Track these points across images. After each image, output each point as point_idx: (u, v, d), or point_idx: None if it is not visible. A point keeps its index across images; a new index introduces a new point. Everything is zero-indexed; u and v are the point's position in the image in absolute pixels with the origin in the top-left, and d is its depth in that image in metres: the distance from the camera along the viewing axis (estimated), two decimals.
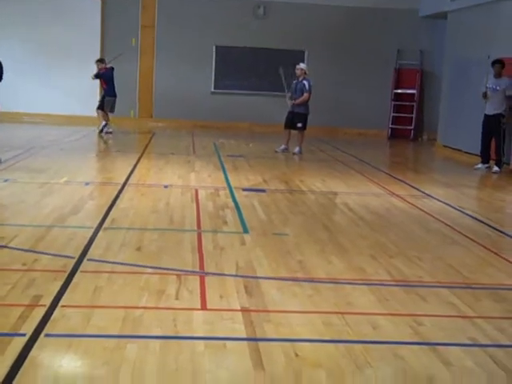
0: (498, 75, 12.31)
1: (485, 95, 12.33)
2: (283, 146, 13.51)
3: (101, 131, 15.06)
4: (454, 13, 16.01)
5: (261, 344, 3.83)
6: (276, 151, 13.45)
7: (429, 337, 4.07)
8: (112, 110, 15.14)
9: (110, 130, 15.09)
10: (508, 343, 4.04)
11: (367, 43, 18.51)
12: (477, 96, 13.43)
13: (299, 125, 13.22)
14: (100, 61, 15.44)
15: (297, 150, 13.34)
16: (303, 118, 13.27)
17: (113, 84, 15.22)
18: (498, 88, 12.23)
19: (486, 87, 12.29)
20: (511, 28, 13.18)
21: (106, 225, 6.52)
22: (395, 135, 18.65)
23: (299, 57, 18.24)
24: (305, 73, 13.31)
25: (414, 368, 3.63)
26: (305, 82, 13.20)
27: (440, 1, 16.62)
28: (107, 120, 15.18)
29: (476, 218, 7.91)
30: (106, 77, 15.26)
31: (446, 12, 16.38)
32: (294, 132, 13.45)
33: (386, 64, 18.57)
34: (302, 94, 13.14)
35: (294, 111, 13.32)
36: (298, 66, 13.43)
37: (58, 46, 17.54)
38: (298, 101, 13.14)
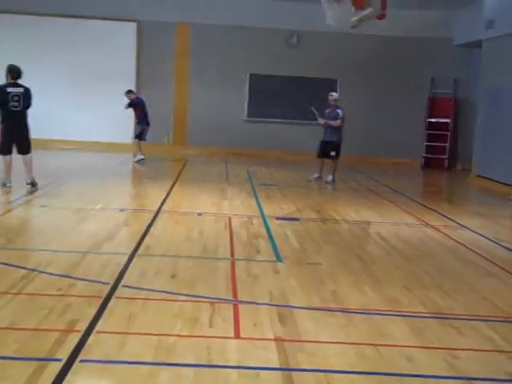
0: None
1: None
2: (316, 175, 13.52)
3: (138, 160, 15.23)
4: (489, 41, 15.94)
5: (294, 374, 3.83)
6: (309, 180, 13.47)
7: (464, 371, 4.02)
8: (143, 137, 15.35)
9: (142, 156, 15.22)
10: None
11: (400, 72, 18.54)
12: None
13: (333, 153, 13.23)
14: (129, 92, 15.61)
15: (330, 178, 13.33)
16: (337, 146, 13.29)
17: (145, 112, 15.43)
18: None
19: None
20: None
21: (140, 251, 6.58)
22: (429, 165, 18.54)
23: (332, 85, 18.37)
24: (337, 101, 13.36)
25: None
26: (338, 110, 13.25)
27: (475, 29, 16.57)
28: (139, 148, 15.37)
29: (510, 249, 7.80)
30: (138, 105, 15.44)
31: (481, 40, 16.33)
32: (327, 161, 13.45)
33: (420, 93, 18.55)
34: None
35: (327, 140, 13.34)
36: (332, 95, 13.51)
37: (94, 71, 17.87)
38: (332, 122, 13.13)
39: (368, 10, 10.00)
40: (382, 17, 9.55)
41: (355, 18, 10.61)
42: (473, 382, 3.88)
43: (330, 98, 13.48)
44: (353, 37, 17.96)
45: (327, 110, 13.47)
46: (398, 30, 17.89)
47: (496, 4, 15.39)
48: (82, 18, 17.73)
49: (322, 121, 13.35)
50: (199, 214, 8.96)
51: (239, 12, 18.05)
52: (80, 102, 17.92)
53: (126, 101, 15.47)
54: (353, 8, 10.44)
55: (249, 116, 18.65)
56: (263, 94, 18.52)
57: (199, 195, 10.79)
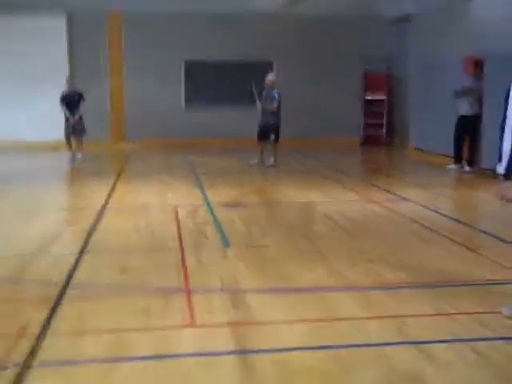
0: (475, 76, 12.54)
1: (459, 95, 12.53)
2: (257, 159, 13.61)
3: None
4: (417, 15, 16.31)
5: (250, 356, 3.91)
6: (250, 165, 13.53)
7: (413, 336, 4.19)
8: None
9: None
10: (488, 336, 4.16)
11: (334, 50, 18.70)
12: (445, 97, 13.69)
13: (272, 136, 13.34)
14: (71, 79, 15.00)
15: (271, 162, 13.45)
16: (276, 129, 13.39)
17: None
18: (475, 88, 12.44)
19: (463, 87, 12.46)
20: (473, 27, 13.46)
21: (88, 249, 6.55)
22: (368, 141, 18.85)
23: (267, 68, 18.43)
24: (274, 83, 13.43)
25: (399, 367, 3.74)
26: (274, 92, 13.32)
27: (404, 4, 16.88)
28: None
29: (452, 218, 8.07)
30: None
31: (410, 14, 16.67)
32: (267, 145, 13.55)
33: (355, 70, 18.78)
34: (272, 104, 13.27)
35: (265, 123, 13.42)
36: (268, 77, 13.57)
37: (25, 66, 17.39)
38: (270, 106, 13.22)
39: None
40: None
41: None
42: (421, 345, 4.04)
43: (266, 79, 13.56)
44: (285, 18, 18.06)
45: (264, 92, 13.55)
46: (329, 9, 17.99)
47: None
48: (6, 12, 17.19)
49: (258, 105, 13.43)
50: (145, 207, 8.94)
51: None
52: (11, 100, 17.47)
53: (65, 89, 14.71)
54: None
55: (187, 105, 18.58)
56: (200, 81, 18.45)
57: (144, 188, 10.74)
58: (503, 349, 3.99)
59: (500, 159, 4.32)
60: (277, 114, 13.35)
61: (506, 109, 4.35)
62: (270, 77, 13.60)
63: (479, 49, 12.76)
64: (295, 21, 17.86)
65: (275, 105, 13.21)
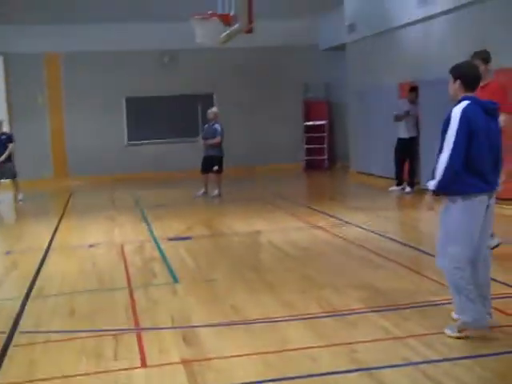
0: (412, 101, 12.91)
1: (399, 119, 12.86)
2: (202, 191, 13.63)
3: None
4: (352, 44, 16.71)
5: None
6: (195, 197, 13.54)
7: (365, 362, 4.24)
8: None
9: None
10: (437, 358, 4.26)
11: (274, 80, 18.99)
12: (382, 122, 14.04)
13: (215, 168, 13.42)
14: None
15: (216, 192, 13.50)
16: (219, 160, 13.47)
17: None
18: (412, 113, 12.81)
19: (405, 112, 12.80)
20: (406, 54, 13.88)
21: (34, 293, 6.43)
22: (310, 167, 19.10)
23: (208, 100, 18.59)
24: (217, 116, 13.56)
25: None
26: (216, 125, 13.45)
27: (338, 34, 17.30)
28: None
29: (395, 240, 8.23)
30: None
31: (345, 44, 17.08)
32: (212, 175, 13.61)
33: (295, 99, 19.08)
34: (214, 137, 13.37)
35: (209, 155, 13.51)
36: (209, 110, 13.72)
37: None
38: (211, 142, 13.34)
39: (236, 26, 10.24)
40: (249, 31, 9.81)
41: (224, 35, 10.83)
42: (373, 371, 4.10)
43: (208, 113, 13.66)
44: (224, 51, 18.18)
45: (206, 126, 13.64)
46: (268, 41, 18.28)
47: (356, 9, 16.16)
48: None
49: (202, 142, 13.53)
50: (91, 246, 8.84)
51: (109, 37, 17.85)
52: None
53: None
54: (221, 24, 10.66)
55: (129, 140, 18.51)
56: (142, 116, 18.43)
57: (89, 227, 10.61)
58: (452, 371, 4.07)
59: (433, 177, 4.58)
60: (219, 146, 13.44)
61: (442, 140, 4.54)
62: (212, 109, 13.70)
63: (414, 75, 13.17)
64: (234, 53, 18.06)
65: (217, 138, 13.29)
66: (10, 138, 14.12)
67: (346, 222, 9.67)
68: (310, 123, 19.22)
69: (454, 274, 4.58)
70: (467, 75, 4.65)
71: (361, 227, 9.20)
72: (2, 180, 14.16)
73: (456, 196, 4.54)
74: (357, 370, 4.13)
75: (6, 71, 17.65)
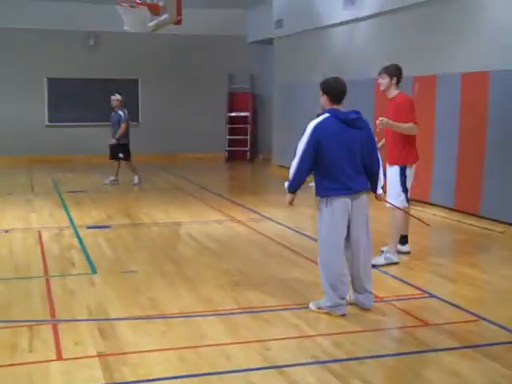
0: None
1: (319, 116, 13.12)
2: (112, 178, 13.56)
3: None
4: (279, 39, 16.92)
5: None
6: (104, 183, 13.47)
7: (276, 360, 4.42)
8: None
9: None
10: (344, 357, 4.48)
11: (200, 69, 18.99)
12: (305, 117, 14.30)
13: (120, 155, 13.39)
14: None
15: (136, 180, 13.47)
16: (123, 148, 13.41)
17: None
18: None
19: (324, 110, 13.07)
20: (331, 54, 14.19)
21: None
22: (232, 157, 19.26)
23: (133, 85, 18.43)
24: (121, 103, 13.37)
25: None
26: (120, 112, 13.32)
27: (266, 28, 17.47)
28: None
29: (311, 237, 8.47)
30: None
31: (272, 38, 17.27)
32: (122, 163, 13.56)
33: (220, 89, 19.16)
34: (119, 125, 13.28)
35: (113, 143, 13.42)
36: (113, 97, 13.49)
37: None
38: (117, 134, 13.26)
39: (164, 16, 10.21)
40: (178, 22, 9.79)
41: (152, 24, 10.78)
42: (284, 369, 4.28)
43: (112, 99, 13.44)
44: (151, 37, 18.03)
45: (112, 114, 13.50)
46: (194, 29, 18.23)
47: (284, 5, 16.36)
48: None
49: (112, 141, 13.40)
50: (6, 231, 8.69)
51: (34, 14, 17.39)
52: None
53: None
54: (149, 13, 10.60)
55: (50, 121, 18.12)
56: (63, 97, 18.05)
57: (4, 210, 10.40)
58: (357, 369, 4.31)
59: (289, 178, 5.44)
60: (124, 133, 13.29)
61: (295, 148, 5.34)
62: (116, 96, 13.47)
63: (337, 73, 13.45)
64: (161, 40, 17.93)
65: (123, 125, 13.17)
66: None
67: (266, 217, 9.87)
68: (234, 114, 19.35)
69: (323, 266, 5.37)
70: (332, 90, 5.35)
71: (279, 223, 9.42)
72: None
73: (321, 199, 5.33)
74: (268, 368, 4.30)
75: None
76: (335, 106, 5.32)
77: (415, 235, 7.62)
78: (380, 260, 6.99)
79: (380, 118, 6.78)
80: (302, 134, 5.29)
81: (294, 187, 5.41)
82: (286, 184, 5.45)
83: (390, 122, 6.81)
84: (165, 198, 11.84)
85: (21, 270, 6.77)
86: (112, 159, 13.59)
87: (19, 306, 5.54)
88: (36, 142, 17.74)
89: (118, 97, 13.43)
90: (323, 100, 5.38)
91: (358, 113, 5.31)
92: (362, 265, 5.44)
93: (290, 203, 5.56)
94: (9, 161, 17.17)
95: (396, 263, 7.03)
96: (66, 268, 6.87)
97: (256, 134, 19.70)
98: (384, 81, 7.04)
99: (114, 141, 13.34)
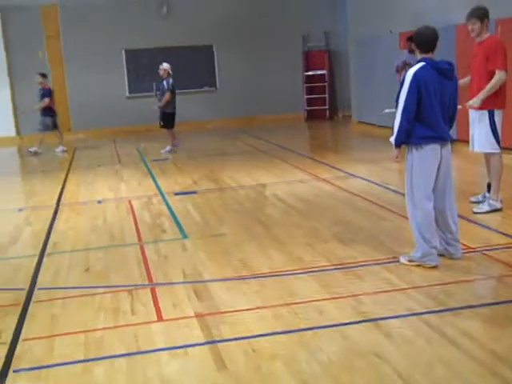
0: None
1: (399, 69, 12.84)
2: (168, 147, 13.79)
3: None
4: None
5: (219, 345, 4.13)
6: (161, 152, 13.70)
7: (370, 314, 4.45)
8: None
9: (37, 149, 14.82)
10: (439, 308, 4.47)
11: (273, 29, 18.89)
12: (383, 71, 14.03)
13: (161, 123, 13.60)
14: (44, 76, 15.03)
15: (166, 149, 13.69)
16: (166, 116, 13.55)
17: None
18: (412, 62, 12.75)
19: (403, 62, 12.79)
20: (407, 3, 13.80)
21: (48, 250, 6.64)
22: (312, 116, 19.16)
23: (208, 51, 18.55)
24: (168, 73, 13.43)
25: (360, 345, 4.01)
26: (164, 82, 13.42)
27: None
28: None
29: (398, 192, 8.37)
30: (51, 93, 14.98)
31: None
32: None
33: (295, 48, 19.02)
34: (164, 95, 13.38)
35: (161, 111, 13.61)
36: (160, 67, 13.58)
37: None
38: (161, 103, 13.41)
39: None
40: None
41: None
42: (379, 321, 4.31)
43: (159, 69, 13.52)
44: (223, 0, 18.15)
45: (159, 83, 13.63)
46: None
47: None
48: None
49: (155, 107, 13.65)
50: (99, 202, 9.03)
51: None
52: None
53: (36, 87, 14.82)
54: None
55: (130, 92, 18.53)
56: (141, 68, 18.38)
57: (95, 181, 10.79)
58: (452, 320, 4.29)
59: (393, 133, 5.33)
60: (168, 102, 13.40)
61: (397, 99, 5.24)
62: (163, 65, 13.52)
63: (415, 25, 13.08)
64: (233, 2, 17.93)
65: (166, 95, 13.29)
66: (46, 92, 14.78)
67: (350, 174, 9.82)
68: (311, 73, 19.18)
69: (413, 216, 5.34)
70: (423, 39, 5.29)
71: (364, 179, 9.36)
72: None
73: (411, 146, 5.29)
74: (362, 322, 4.34)
75: (4, 26, 17.56)
76: (426, 56, 5.28)
77: (504, 183, 7.40)
78: (483, 207, 6.89)
79: (470, 102, 6.69)
80: (400, 86, 5.23)
81: (401, 140, 5.29)
82: (392, 138, 5.35)
83: (480, 96, 6.64)
84: (248, 161, 11.96)
85: (116, 238, 7.04)
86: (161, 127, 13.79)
87: (118, 272, 5.79)
88: (118, 114, 18.18)
89: (164, 66, 13.52)
90: (415, 48, 5.35)
91: (450, 64, 5.30)
92: (449, 212, 5.41)
93: (397, 158, 5.45)
94: (95, 133, 17.74)
95: (500, 209, 6.90)
96: (158, 234, 7.09)
97: (334, 91, 19.49)
98: (475, 26, 6.74)
99: (156, 107, 13.52)
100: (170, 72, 13.45)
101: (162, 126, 13.67)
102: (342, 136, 16.66)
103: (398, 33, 13.86)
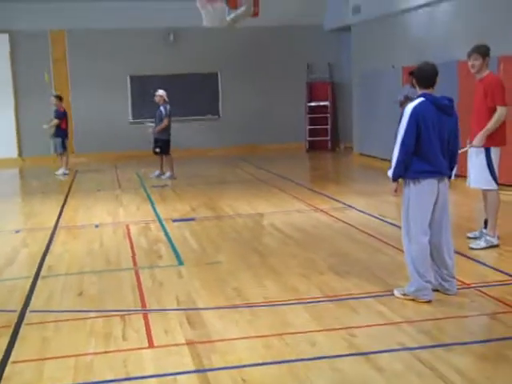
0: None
1: (401, 103, 12.93)
2: (157, 172, 13.89)
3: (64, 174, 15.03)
4: (357, 26, 16.75)
5: (209, 374, 4.11)
6: (150, 177, 13.82)
7: (362, 347, 4.44)
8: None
9: (67, 171, 15.14)
10: (431, 344, 4.45)
11: (278, 60, 19.08)
12: (385, 104, 14.13)
13: (157, 150, 13.66)
14: (59, 98, 15.28)
15: (167, 175, 13.78)
16: (162, 143, 13.64)
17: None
18: (414, 97, 12.85)
19: (405, 96, 12.90)
20: (410, 38, 13.95)
21: (43, 273, 6.63)
22: (313, 147, 19.24)
23: (213, 79, 18.71)
24: (164, 99, 13.57)
25: (350, 378, 3.98)
26: (161, 107, 13.53)
27: (343, 15, 17.33)
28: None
29: (395, 225, 8.38)
30: (65, 115, 15.21)
31: (350, 25, 17.12)
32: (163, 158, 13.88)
33: (298, 79, 19.18)
34: (162, 121, 13.47)
35: (155, 138, 13.72)
36: (156, 93, 13.74)
37: None
38: (158, 128, 13.51)
39: (242, 9, 10.32)
40: (255, 14, 9.90)
41: (230, 17, 10.92)
42: (370, 355, 4.29)
43: (155, 96, 13.69)
44: (229, 30, 18.29)
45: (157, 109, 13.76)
46: (271, 20, 18.30)
47: None
48: None
49: (150, 130, 13.75)
50: (96, 226, 9.03)
51: (113, 15, 17.94)
52: None
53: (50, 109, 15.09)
54: (227, 7, 10.75)
55: (134, 118, 18.64)
56: (146, 94, 18.50)
57: (94, 205, 10.81)
58: (444, 356, 4.27)
59: (390, 166, 5.37)
60: (163, 128, 13.50)
61: (399, 123, 5.29)
62: (158, 92, 13.68)
63: (418, 59, 13.21)
64: (239, 33, 18.09)
65: (164, 121, 13.40)
66: (59, 115, 15.08)
67: (348, 206, 9.84)
68: (314, 104, 19.32)
69: (408, 250, 5.36)
70: (423, 74, 5.40)
71: (362, 211, 9.37)
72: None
73: (409, 180, 5.33)
74: (354, 355, 4.32)
75: (12, 49, 17.75)
76: (426, 91, 5.35)
77: (501, 219, 7.40)
78: (480, 243, 6.90)
79: (466, 146, 6.85)
80: (399, 120, 5.33)
81: (399, 173, 5.33)
82: (390, 172, 5.38)
83: (479, 136, 6.73)
84: (247, 190, 11.99)
85: (112, 263, 7.04)
86: (155, 154, 13.88)
87: (111, 297, 5.77)
88: (121, 139, 18.27)
89: (160, 92, 13.68)
90: (415, 84, 5.46)
91: (450, 100, 5.37)
92: (445, 248, 5.42)
93: (395, 192, 5.55)
94: (97, 157, 17.81)
95: (496, 246, 6.90)
96: (154, 260, 7.08)
97: (336, 123, 19.61)
98: (477, 62, 6.85)
99: (150, 130, 13.66)
100: (166, 99, 13.59)
101: (159, 153, 13.71)
102: (343, 167, 16.71)
103: (401, 67, 13.99)
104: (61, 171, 15.09)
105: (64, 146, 15.15)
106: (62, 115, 15.08)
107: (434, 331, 4.68)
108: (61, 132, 15.06)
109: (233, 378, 4.03)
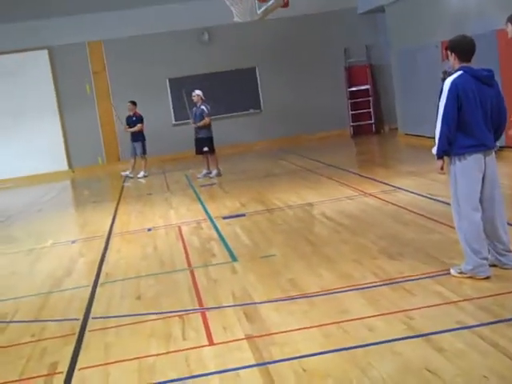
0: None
1: (442, 79, 12.75)
2: (204, 172, 13.94)
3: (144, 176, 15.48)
4: (391, 6, 16.52)
5: (270, 367, 4.14)
6: (198, 177, 13.90)
7: (420, 328, 4.40)
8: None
9: (131, 175, 15.57)
10: (492, 320, 4.38)
11: (314, 48, 18.96)
12: (427, 81, 13.91)
13: (205, 149, 13.71)
14: (134, 103, 15.71)
15: (214, 173, 13.83)
16: (208, 141, 13.71)
17: None
18: (452, 71, 12.66)
19: (446, 71, 12.71)
20: (445, 12, 13.69)
21: (101, 280, 6.78)
22: (358, 132, 19.09)
23: (251, 74, 18.73)
24: (201, 98, 13.70)
25: (411, 361, 3.96)
26: (203, 106, 13.63)
27: None
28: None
29: (446, 203, 8.25)
30: (142, 119, 15.64)
31: (383, 6, 16.90)
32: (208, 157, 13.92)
33: (336, 65, 19.03)
34: (203, 119, 13.55)
35: (198, 137, 13.79)
36: (193, 93, 13.88)
37: (14, 105, 17.72)
38: (200, 123, 13.57)
39: (272, 1, 10.31)
40: (285, 5, 9.88)
41: (261, 11, 10.92)
42: (430, 336, 4.25)
43: (192, 96, 13.82)
44: (262, 23, 18.25)
45: (194, 108, 13.84)
46: (303, 9, 18.24)
47: None
48: None
49: (192, 123, 13.79)
50: (149, 230, 9.17)
51: (147, 20, 18.14)
52: (4, 139, 17.79)
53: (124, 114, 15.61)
54: (257, 1, 10.75)
55: (176, 120, 18.80)
56: (186, 95, 18.63)
57: (145, 210, 10.97)
58: (506, 332, 4.20)
59: (434, 143, 5.28)
60: (208, 126, 13.62)
61: (439, 98, 5.19)
62: (196, 92, 13.80)
63: (456, 33, 12.98)
64: (273, 24, 18.08)
65: (206, 119, 13.47)
66: (138, 119, 15.63)
67: (397, 188, 9.75)
68: (354, 88, 19.15)
69: (460, 228, 5.26)
70: (460, 48, 5.25)
71: (411, 192, 9.27)
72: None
73: (454, 157, 5.25)
74: (413, 337, 4.29)
75: (52, 64, 18.12)
76: (464, 64, 5.24)
77: None
78: None
79: None
80: (440, 94, 5.20)
81: (443, 150, 5.22)
82: (434, 149, 5.27)
83: None
84: (295, 181, 11.98)
85: (167, 265, 7.14)
86: (199, 154, 13.96)
87: (169, 298, 5.86)
88: (166, 142, 18.45)
89: (197, 92, 13.83)
90: (452, 59, 5.31)
91: (490, 70, 5.27)
92: (499, 222, 5.31)
93: (441, 170, 5.35)
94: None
95: None
96: (208, 258, 7.16)
97: (379, 105, 19.40)
98: (510, 28, 6.80)
99: (195, 125, 13.73)
100: (203, 98, 13.68)
101: (207, 152, 13.79)
102: (389, 149, 16.53)
103: (440, 42, 13.74)
104: (141, 174, 15.53)
105: (144, 150, 15.50)
106: (141, 119, 15.53)
107: (494, 307, 4.61)
108: (141, 136, 15.56)
109: (294, 368, 4.06)
